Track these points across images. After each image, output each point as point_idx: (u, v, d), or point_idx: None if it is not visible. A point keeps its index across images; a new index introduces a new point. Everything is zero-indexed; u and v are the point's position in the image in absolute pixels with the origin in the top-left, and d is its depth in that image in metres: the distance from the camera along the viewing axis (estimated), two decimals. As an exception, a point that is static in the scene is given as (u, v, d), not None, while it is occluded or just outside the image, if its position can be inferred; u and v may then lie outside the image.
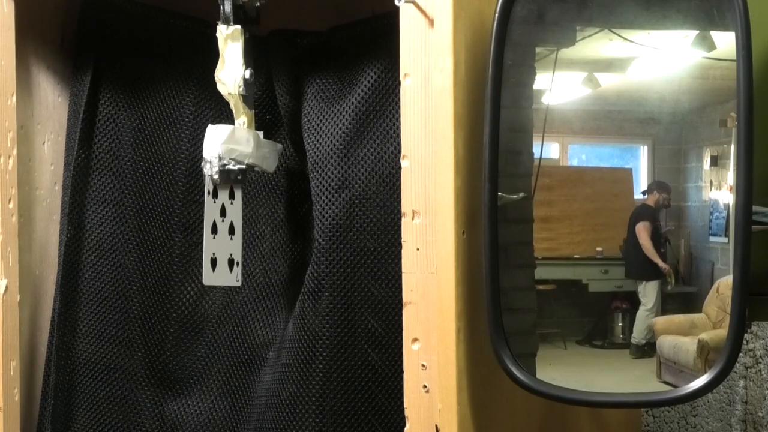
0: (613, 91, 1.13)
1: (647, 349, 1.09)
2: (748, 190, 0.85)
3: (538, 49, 1.05)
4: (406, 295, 0.94)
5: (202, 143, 1.09)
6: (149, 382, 1.20)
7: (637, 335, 1.09)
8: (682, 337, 1.05)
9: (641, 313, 1.09)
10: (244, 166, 1.09)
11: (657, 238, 1.09)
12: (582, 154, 1.16)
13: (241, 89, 1.08)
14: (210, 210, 1.12)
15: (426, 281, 0.92)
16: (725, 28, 0.90)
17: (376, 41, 1.06)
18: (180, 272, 1.22)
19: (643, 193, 1.10)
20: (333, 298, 1.06)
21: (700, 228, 1.08)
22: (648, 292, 1.10)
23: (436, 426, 0.92)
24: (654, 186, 1.10)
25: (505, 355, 0.93)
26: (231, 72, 1.08)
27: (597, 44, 1.06)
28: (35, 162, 1.21)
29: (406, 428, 0.94)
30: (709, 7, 0.97)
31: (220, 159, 1.08)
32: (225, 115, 1.14)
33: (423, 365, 0.93)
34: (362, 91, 1.07)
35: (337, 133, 1.08)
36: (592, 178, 1.15)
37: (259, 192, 1.21)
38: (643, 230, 1.09)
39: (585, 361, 1.10)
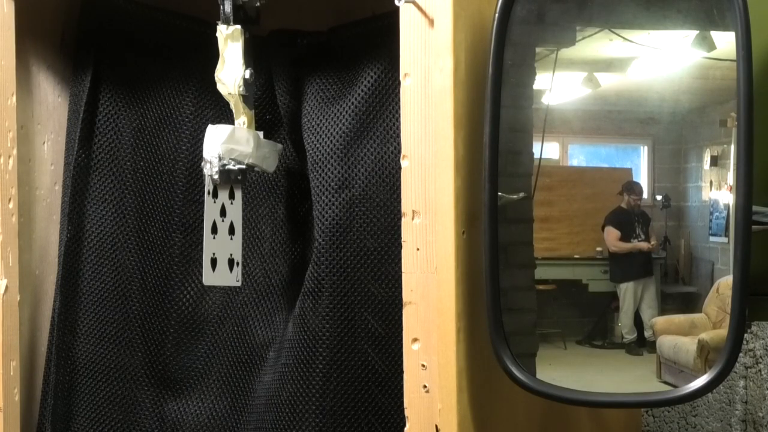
0: (613, 91, 1.13)
1: (635, 346, 1.10)
2: (748, 190, 0.85)
3: (538, 49, 1.05)
4: (406, 295, 0.94)
5: (202, 143, 1.09)
6: (149, 382, 1.20)
7: (624, 333, 1.10)
8: (682, 337, 1.06)
9: (621, 312, 1.11)
10: (244, 166, 1.09)
11: (629, 238, 1.10)
12: (582, 154, 1.16)
13: (241, 89, 1.08)
14: (210, 210, 1.12)
15: (426, 281, 0.92)
16: (725, 28, 0.90)
17: (376, 41, 1.06)
18: (180, 272, 1.22)
19: (619, 194, 1.11)
20: (333, 298, 1.06)
21: (700, 228, 1.08)
22: (625, 294, 1.11)
23: (436, 426, 0.92)
24: (623, 188, 1.11)
25: (505, 355, 0.93)
26: (231, 72, 1.08)
27: (597, 44, 1.06)
28: (35, 162, 1.21)
29: (406, 428, 0.94)
30: (709, 7, 0.97)
31: (220, 159, 1.08)
32: (225, 115, 1.14)
33: (423, 365, 0.93)
34: (362, 91, 1.07)
35: (337, 133, 1.08)
36: (592, 178, 1.15)
37: (259, 192, 1.21)
38: (608, 235, 1.10)
39: (585, 361, 1.10)
